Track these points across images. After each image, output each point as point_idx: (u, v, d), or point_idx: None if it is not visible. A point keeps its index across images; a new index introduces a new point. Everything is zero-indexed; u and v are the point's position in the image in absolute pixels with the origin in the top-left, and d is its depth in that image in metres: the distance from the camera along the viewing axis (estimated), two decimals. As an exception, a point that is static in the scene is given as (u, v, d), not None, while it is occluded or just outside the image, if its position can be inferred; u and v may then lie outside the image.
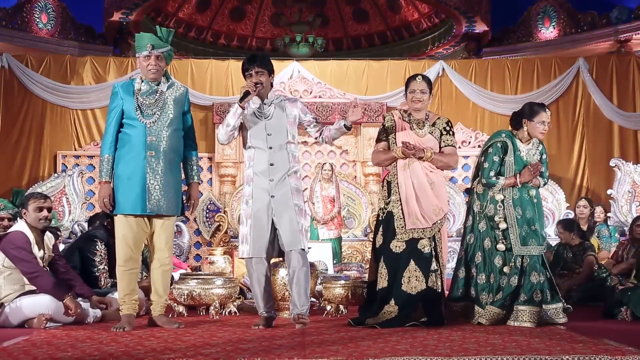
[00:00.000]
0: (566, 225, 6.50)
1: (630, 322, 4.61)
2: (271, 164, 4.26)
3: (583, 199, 7.95)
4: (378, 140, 4.62)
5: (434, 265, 4.32)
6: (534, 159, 4.59)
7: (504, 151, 4.61)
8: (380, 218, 4.52)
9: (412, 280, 4.27)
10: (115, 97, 4.30)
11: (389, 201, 4.44)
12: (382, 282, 4.35)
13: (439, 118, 4.57)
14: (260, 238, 4.24)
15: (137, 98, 4.25)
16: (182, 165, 4.46)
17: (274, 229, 4.26)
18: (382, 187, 4.57)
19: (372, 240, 4.69)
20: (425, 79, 4.54)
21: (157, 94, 4.29)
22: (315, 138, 4.53)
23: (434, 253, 4.34)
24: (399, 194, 4.39)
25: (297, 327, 4.12)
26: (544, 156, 4.68)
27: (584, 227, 7.46)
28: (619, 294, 4.90)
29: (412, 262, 4.29)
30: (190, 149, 4.47)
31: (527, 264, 4.42)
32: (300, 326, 4.11)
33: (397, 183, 4.41)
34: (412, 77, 4.56)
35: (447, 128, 4.52)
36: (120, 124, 4.26)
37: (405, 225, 4.33)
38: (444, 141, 4.50)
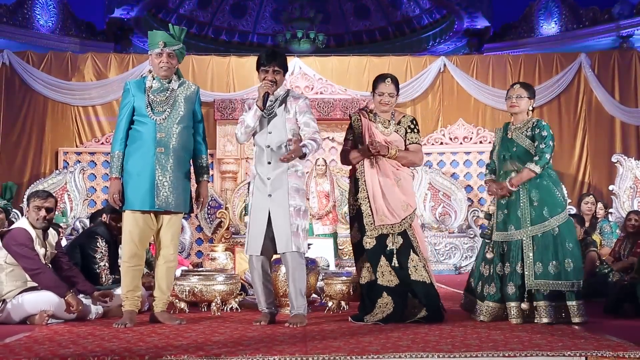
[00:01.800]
0: (578, 220, 6.50)
1: (632, 317, 4.60)
2: (269, 162, 4.24)
3: (591, 196, 7.91)
4: (345, 140, 4.65)
5: (398, 262, 4.30)
6: (522, 137, 4.45)
7: (495, 143, 4.67)
8: (352, 214, 4.56)
9: (386, 274, 4.33)
10: (127, 94, 4.31)
11: (357, 198, 4.48)
12: (369, 276, 4.40)
13: (404, 116, 4.62)
14: (257, 236, 4.23)
15: (148, 95, 4.26)
16: (192, 163, 4.47)
17: (271, 227, 4.24)
18: (350, 182, 4.61)
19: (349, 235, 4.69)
20: (394, 81, 4.52)
21: (168, 92, 4.30)
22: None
23: (394, 250, 4.33)
24: (367, 192, 4.43)
25: (293, 325, 4.09)
26: (538, 131, 4.40)
27: (587, 224, 7.46)
28: (621, 289, 4.89)
29: (382, 258, 4.35)
30: (200, 147, 4.48)
31: (509, 252, 4.34)
32: (294, 325, 4.07)
33: (365, 180, 4.45)
34: (381, 79, 4.53)
35: (412, 126, 4.56)
36: (131, 121, 4.28)
37: (374, 222, 4.37)
38: (409, 139, 4.53)
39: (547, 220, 4.29)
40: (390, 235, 4.36)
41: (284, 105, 4.32)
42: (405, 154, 4.46)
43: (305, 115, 4.29)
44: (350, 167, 4.68)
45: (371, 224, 4.39)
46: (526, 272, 4.25)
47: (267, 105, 4.26)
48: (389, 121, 4.54)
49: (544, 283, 4.21)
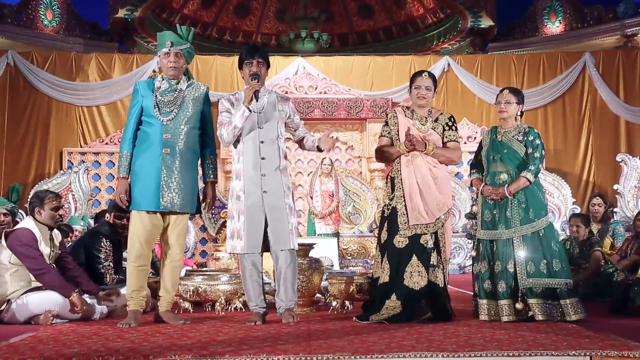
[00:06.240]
0: (584, 220, 6.47)
1: (637, 317, 4.58)
2: (262, 158, 4.25)
3: (597, 197, 7.84)
4: (381, 137, 4.64)
5: (433, 260, 4.32)
6: (515, 141, 4.46)
7: (483, 144, 4.68)
8: (384, 214, 4.52)
9: (415, 276, 4.27)
10: (136, 94, 4.33)
11: (393, 197, 4.44)
12: (384, 277, 4.36)
13: (441, 114, 4.59)
14: (255, 234, 4.22)
15: (156, 96, 4.28)
16: (199, 164, 4.47)
17: (265, 224, 4.25)
18: (387, 183, 4.58)
19: (377, 236, 4.68)
20: (431, 75, 4.55)
21: (176, 92, 4.32)
22: (295, 141, 4.59)
23: (434, 248, 4.34)
24: (403, 190, 4.39)
25: (289, 321, 4.10)
26: (531, 138, 4.45)
27: (598, 225, 7.41)
28: (625, 289, 4.88)
29: (414, 257, 4.30)
30: (208, 147, 4.49)
31: (498, 251, 4.34)
32: (291, 320, 4.10)
33: (401, 179, 4.41)
34: (418, 73, 4.56)
35: (450, 124, 4.54)
36: (140, 121, 4.29)
37: (408, 221, 4.34)
38: (446, 136, 4.51)
39: (534, 221, 4.35)
40: (424, 235, 4.33)
41: (273, 103, 4.37)
42: (442, 152, 4.44)
43: (297, 117, 4.54)
44: (385, 165, 4.66)
45: (405, 222, 4.34)
46: (518, 272, 4.27)
47: (256, 102, 4.30)
48: (426, 118, 4.52)
49: (536, 282, 4.25)
